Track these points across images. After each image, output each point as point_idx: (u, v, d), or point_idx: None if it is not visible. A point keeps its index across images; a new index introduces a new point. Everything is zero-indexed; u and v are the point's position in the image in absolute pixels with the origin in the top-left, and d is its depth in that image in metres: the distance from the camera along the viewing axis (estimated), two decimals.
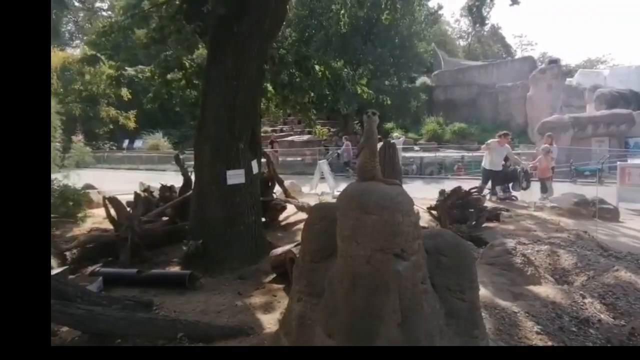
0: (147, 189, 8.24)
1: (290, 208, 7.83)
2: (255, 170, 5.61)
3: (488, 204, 8.38)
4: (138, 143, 27.81)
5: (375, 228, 2.18)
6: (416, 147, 21.48)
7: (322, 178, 12.39)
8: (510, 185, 10.68)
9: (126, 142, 28.09)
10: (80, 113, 19.79)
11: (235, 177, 5.26)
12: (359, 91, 8.42)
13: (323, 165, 12.55)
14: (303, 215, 7.20)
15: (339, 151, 16.94)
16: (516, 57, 40.86)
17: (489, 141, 10.82)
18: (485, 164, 10.49)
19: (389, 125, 24.78)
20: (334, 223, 2.30)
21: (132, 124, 17.93)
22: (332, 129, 21.20)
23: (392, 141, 6.59)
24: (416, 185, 13.62)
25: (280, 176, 8.52)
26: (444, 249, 2.46)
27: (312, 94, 7.68)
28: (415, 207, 6.85)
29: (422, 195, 9.82)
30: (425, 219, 7.24)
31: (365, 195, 2.24)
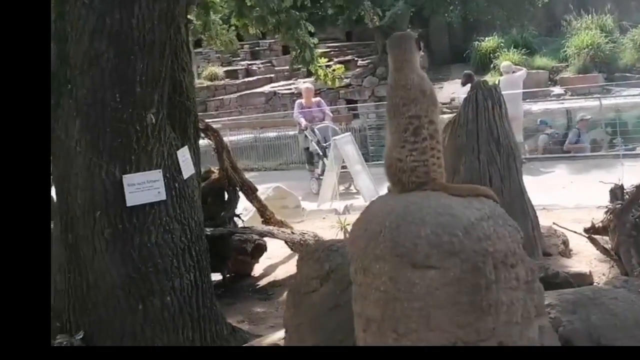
0: None
1: (275, 246, 3.94)
2: (188, 170, 2.57)
3: None
4: None
5: (434, 298, 1.09)
6: (555, 89, 10.34)
7: (344, 170, 5.96)
8: None
9: None
10: None
11: (142, 190, 2.46)
12: None
13: (344, 144, 5.83)
14: None
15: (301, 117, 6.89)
16: None
17: None
18: None
19: (489, 43, 11.37)
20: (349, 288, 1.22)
21: None
22: (361, 61, 11.36)
23: (496, 81, 3.94)
24: (559, 174, 6.35)
25: (250, 175, 4.71)
26: (608, 334, 1.24)
27: None
28: (552, 228, 3.15)
29: (572, 198, 4.84)
30: (583, 255, 3.43)
31: (407, 227, 1.13)
